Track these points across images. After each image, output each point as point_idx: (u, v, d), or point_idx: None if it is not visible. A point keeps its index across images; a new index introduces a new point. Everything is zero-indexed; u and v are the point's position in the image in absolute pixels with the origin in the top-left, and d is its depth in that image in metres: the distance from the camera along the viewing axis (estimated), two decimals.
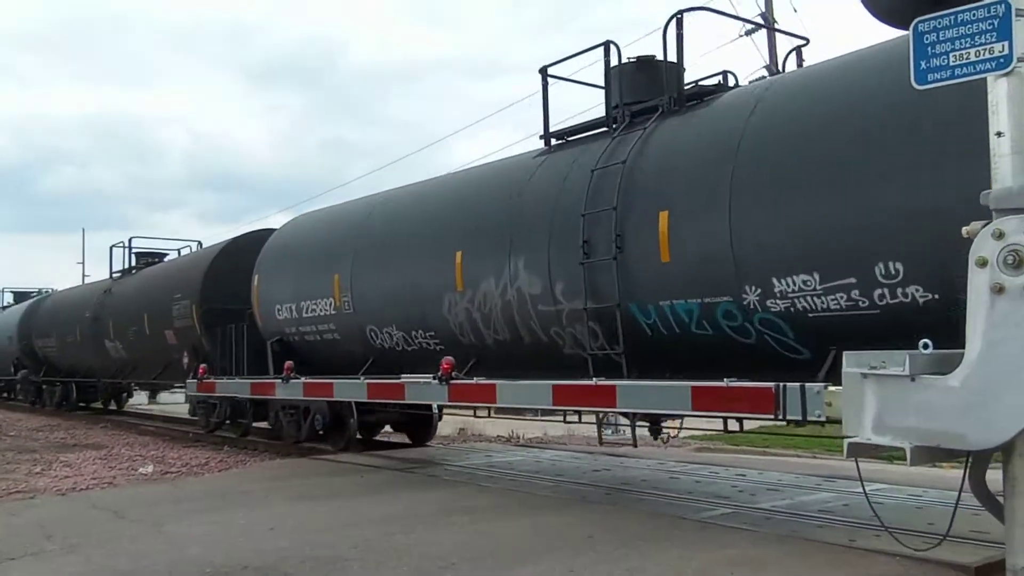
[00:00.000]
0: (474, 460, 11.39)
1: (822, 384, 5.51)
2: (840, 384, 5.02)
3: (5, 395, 31.83)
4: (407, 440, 13.94)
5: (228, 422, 14.59)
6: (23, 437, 16.74)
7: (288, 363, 11.36)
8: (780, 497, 7.96)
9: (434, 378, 8.75)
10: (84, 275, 36.48)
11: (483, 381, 8.36)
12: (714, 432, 14.41)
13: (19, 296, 33.81)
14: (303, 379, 11.27)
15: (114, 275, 20.52)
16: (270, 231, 14.72)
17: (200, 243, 19.65)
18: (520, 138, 31.95)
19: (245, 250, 14.49)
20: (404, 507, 7.54)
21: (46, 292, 31.51)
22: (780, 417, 5.71)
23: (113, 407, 24.39)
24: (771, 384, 5.80)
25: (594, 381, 7.22)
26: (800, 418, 5.59)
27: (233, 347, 13.74)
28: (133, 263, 20.37)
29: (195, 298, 14.81)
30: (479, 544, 6.00)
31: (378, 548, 5.91)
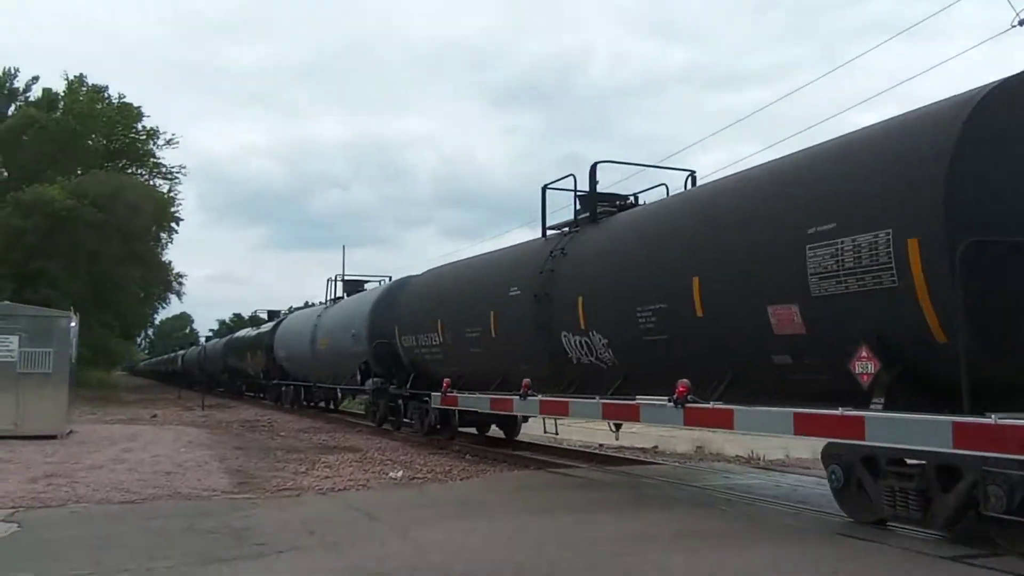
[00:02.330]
0: (711, 481, 11.09)
1: None
2: None
3: (323, 405, 27.30)
4: None
5: None
6: (291, 437, 18.37)
7: None
8: None
9: (669, 400, 8.56)
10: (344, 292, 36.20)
11: (720, 406, 8.06)
12: None
13: (351, 285, 24.88)
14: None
15: (562, 230, 12.51)
16: None
17: (696, 179, 11.55)
18: (761, 148, 30.72)
19: None
20: (638, 527, 7.48)
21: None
22: None
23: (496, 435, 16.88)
24: None
25: (840, 411, 6.74)
26: None
27: None
28: (579, 213, 12.22)
29: (932, 217, 6.27)
30: (713, 571, 5.82)
31: (611, 568, 5.89)
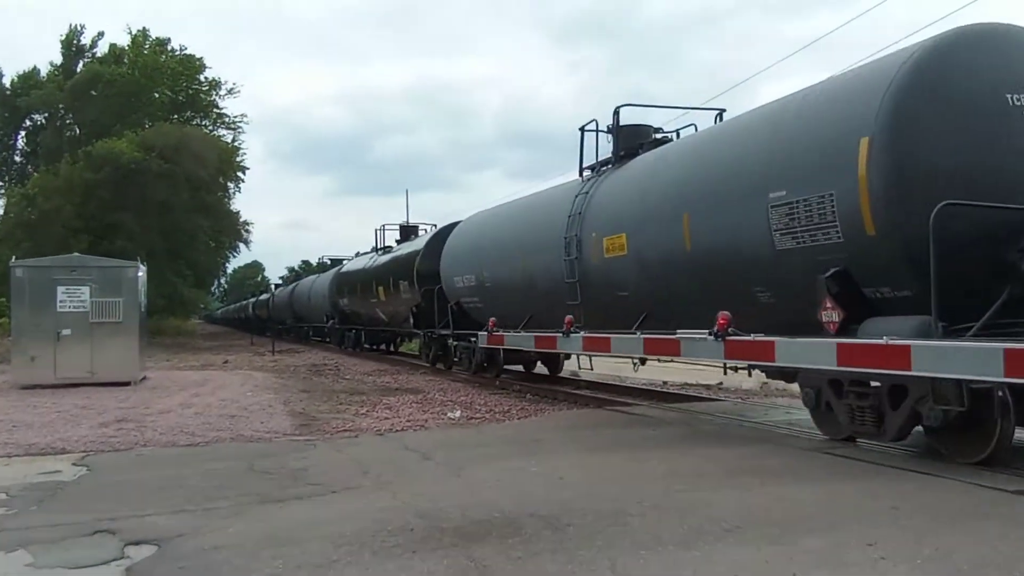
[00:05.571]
0: (773, 417, 10.90)
1: None
2: None
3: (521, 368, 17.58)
4: None
5: None
6: (356, 380, 18.68)
7: None
8: None
9: (709, 333, 8.38)
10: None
11: (761, 338, 7.87)
12: None
13: (633, 135, 12.15)
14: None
15: None
16: None
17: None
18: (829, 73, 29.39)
19: None
20: (691, 464, 7.37)
21: None
22: None
23: None
24: None
25: (885, 340, 6.50)
26: None
27: None
28: None
29: None
30: (766, 508, 5.69)
31: (661, 505, 5.81)
